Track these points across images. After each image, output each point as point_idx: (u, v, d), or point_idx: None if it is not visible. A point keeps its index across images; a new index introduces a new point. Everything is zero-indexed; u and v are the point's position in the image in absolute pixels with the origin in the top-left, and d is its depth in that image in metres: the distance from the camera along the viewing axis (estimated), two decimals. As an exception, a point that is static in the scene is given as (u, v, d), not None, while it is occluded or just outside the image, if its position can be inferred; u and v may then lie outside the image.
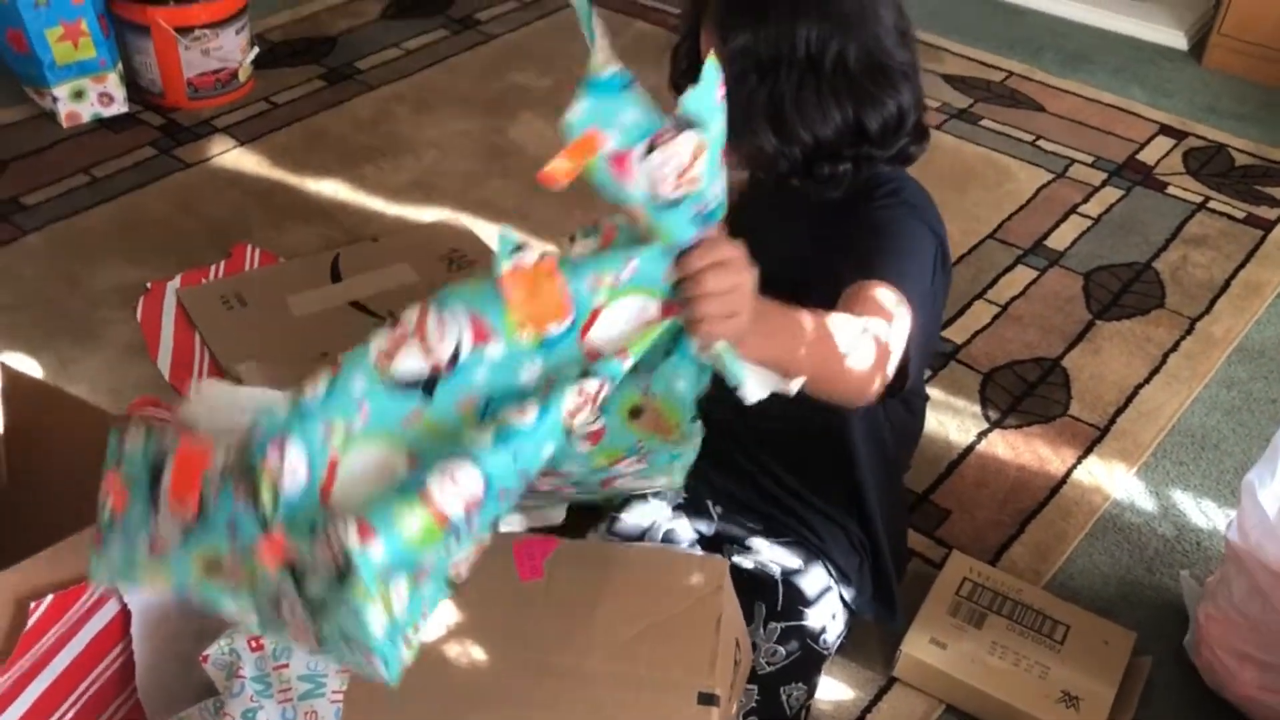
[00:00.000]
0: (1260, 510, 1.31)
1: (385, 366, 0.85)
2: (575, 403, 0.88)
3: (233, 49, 2.70)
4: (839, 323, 1.09)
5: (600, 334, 0.90)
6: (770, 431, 1.47)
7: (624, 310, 0.90)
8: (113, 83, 2.62)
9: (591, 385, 0.88)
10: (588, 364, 0.89)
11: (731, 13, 1.27)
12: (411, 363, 0.86)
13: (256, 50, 2.79)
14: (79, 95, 2.60)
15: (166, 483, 0.89)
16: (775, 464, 1.48)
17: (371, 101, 2.78)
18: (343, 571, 0.79)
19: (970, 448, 1.94)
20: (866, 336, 1.10)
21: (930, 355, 1.50)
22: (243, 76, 2.75)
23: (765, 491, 1.48)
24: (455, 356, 0.87)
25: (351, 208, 2.43)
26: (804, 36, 1.24)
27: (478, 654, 1.16)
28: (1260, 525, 1.32)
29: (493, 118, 2.74)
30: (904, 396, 1.43)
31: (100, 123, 2.64)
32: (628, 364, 0.90)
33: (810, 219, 1.39)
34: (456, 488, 0.82)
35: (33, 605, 1.08)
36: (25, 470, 1.50)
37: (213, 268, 2.22)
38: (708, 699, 1.13)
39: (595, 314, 0.91)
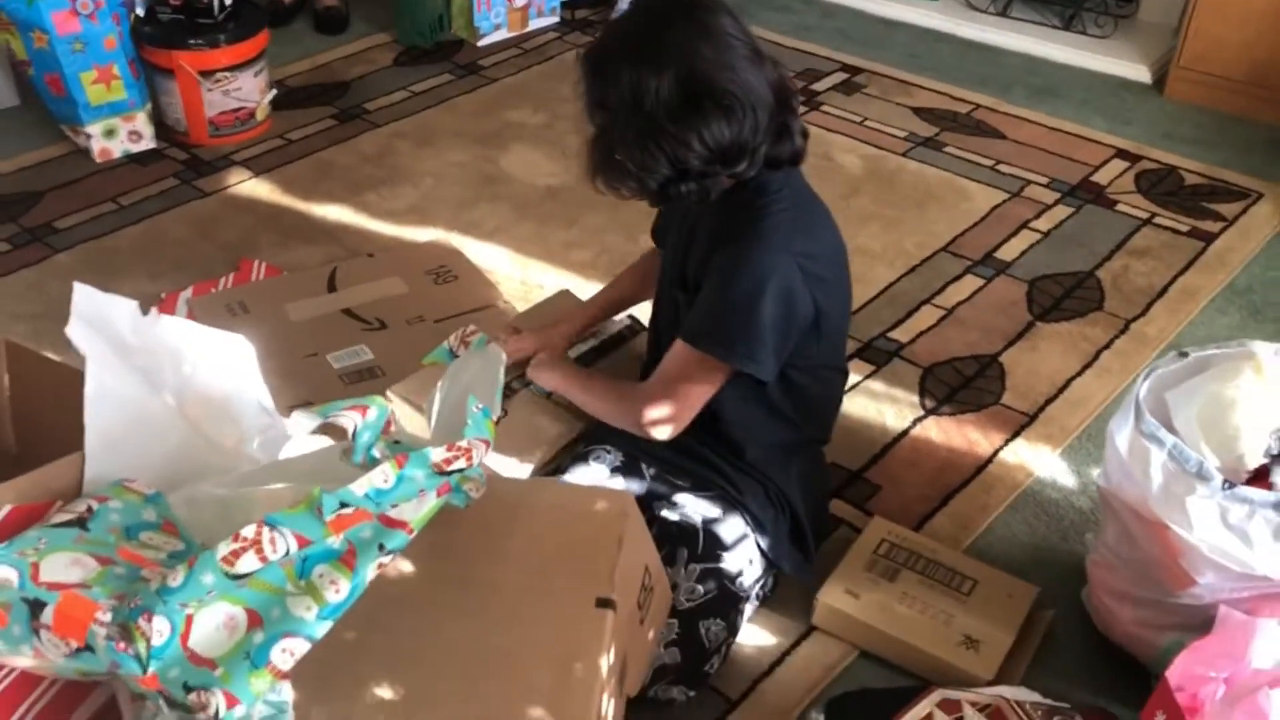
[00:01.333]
0: (1117, 453, 1.45)
1: (229, 566, 1.09)
2: (375, 569, 1.15)
3: (251, 90, 2.93)
4: (592, 396, 1.62)
5: (395, 515, 1.17)
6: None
7: (408, 505, 1.18)
8: (141, 121, 2.87)
9: (387, 557, 1.16)
10: (384, 535, 1.16)
11: (586, 77, 1.46)
12: (248, 563, 1.11)
13: (274, 92, 3.03)
14: (110, 133, 2.84)
15: (48, 620, 1.12)
16: (695, 429, 1.59)
17: (377, 137, 3.00)
18: None
19: (905, 432, 2.09)
20: (610, 407, 1.59)
21: (836, 339, 1.64)
22: (260, 116, 2.98)
23: (691, 452, 1.61)
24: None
25: (353, 229, 2.63)
26: (626, 81, 1.37)
27: (405, 566, 1.32)
28: (1119, 468, 1.45)
29: (487, 149, 2.95)
30: (808, 368, 1.59)
31: (129, 158, 2.88)
32: (411, 535, 1.17)
33: (714, 217, 1.53)
34: (290, 656, 1.10)
35: None
36: (31, 438, 1.68)
37: (222, 280, 2.42)
38: (605, 603, 1.28)
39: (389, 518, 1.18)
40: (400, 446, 1.26)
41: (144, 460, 1.44)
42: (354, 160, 2.88)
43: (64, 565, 1.19)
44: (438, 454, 1.18)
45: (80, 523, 1.26)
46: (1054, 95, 3.25)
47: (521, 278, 2.45)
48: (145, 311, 1.46)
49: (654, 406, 1.52)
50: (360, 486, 1.15)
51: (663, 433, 1.54)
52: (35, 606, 1.16)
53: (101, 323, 1.48)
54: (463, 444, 1.19)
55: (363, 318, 2.30)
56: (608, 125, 1.44)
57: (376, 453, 1.24)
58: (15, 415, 1.69)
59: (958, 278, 2.48)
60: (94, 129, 2.81)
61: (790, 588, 1.73)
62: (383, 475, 1.16)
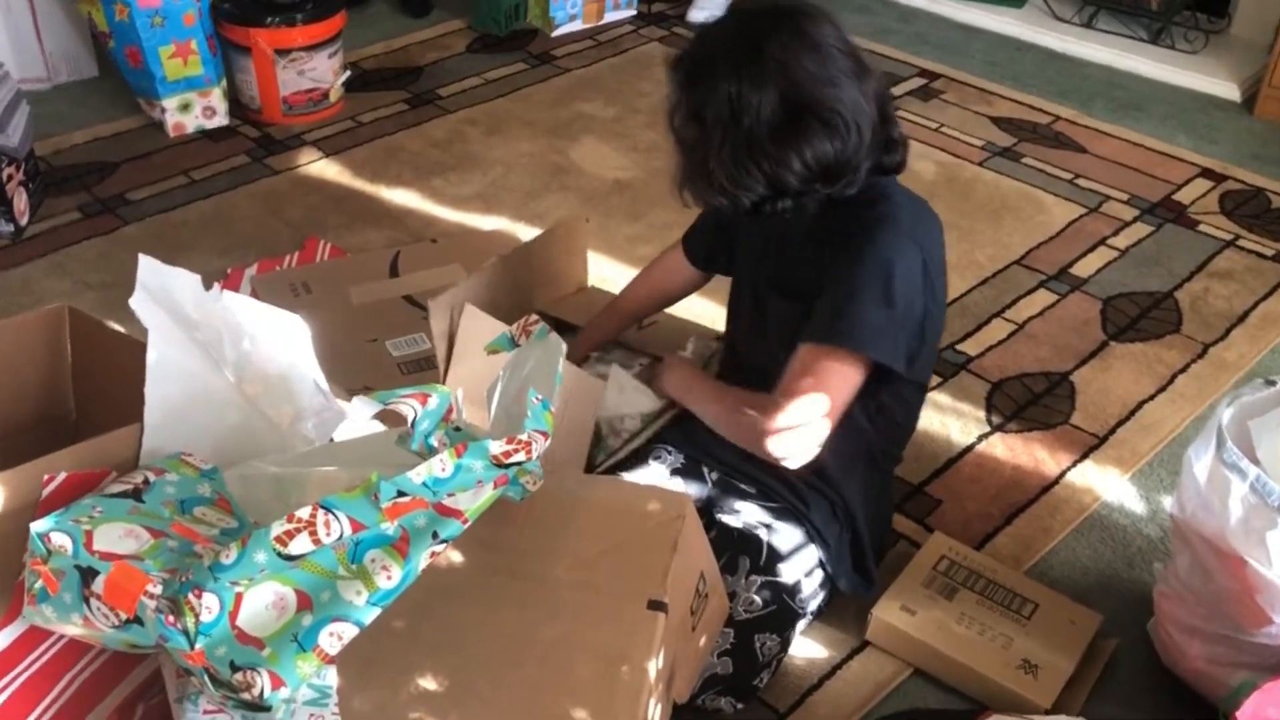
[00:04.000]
0: (1195, 482, 1.39)
1: (281, 546, 1.08)
2: (428, 557, 1.12)
3: (325, 71, 2.94)
4: (717, 408, 1.50)
5: (451, 504, 1.15)
6: None
7: (465, 495, 1.16)
8: (216, 97, 2.88)
9: (440, 546, 1.13)
10: (438, 523, 1.14)
11: (679, 86, 1.41)
12: (302, 544, 1.09)
13: (348, 73, 3.04)
14: (185, 108, 2.86)
15: (99, 589, 1.11)
16: None
17: (448, 123, 2.99)
18: (260, 705, 1.06)
19: (969, 447, 2.03)
20: (739, 426, 1.43)
21: (932, 352, 1.57)
22: (333, 97, 2.99)
23: (757, 459, 1.52)
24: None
25: (418, 214, 2.63)
26: (724, 95, 1.31)
27: (455, 556, 1.31)
28: (1196, 497, 1.40)
29: (557, 140, 2.93)
30: (898, 390, 1.53)
31: (203, 133, 2.90)
32: (466, 525, 1.14)
33: (817, 220, 1.47)
34: (338, 640, 1.08)
35: (45, 478, 1.26)
36: (90, 407, 1.68)
37: (287, 258, 2.42)
38: (657, 605, 1.25)
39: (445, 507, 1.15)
40: (460, 435, 1.23)
41: (202, 435, 1.43)
42: (423, 145, 2.88)
43: (118, 535, 1.19)
44: (497, 446, 1.16)
45: (135, 494, 1.26)
46: (1138, 110, 3.17)
47: (591, 271, 2.40)
48: (208, 286, 1.45)
49: (783, 421, 1.37)
50: (418, 474, 1.13)
51: (794, 454, 1.40)
52: (87, 574, 1.15)
53: (165, 296, 1.48)
54: (522, 437, 1.17)
55: (423, 305, 2.27)
56: (701, 139, 1.37)
57: (435, 441, 1.22)
58: (76, 382, 1.69)
59: (1030, 292, 2.42)
60: (169, 103, 2.83)
61: (845, 599, 1.69)
62: (441, 464, 1.14)
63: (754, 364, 1.57)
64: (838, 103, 1.33)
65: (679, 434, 1.64)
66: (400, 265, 2.41)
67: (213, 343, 1.53)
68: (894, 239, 1.40)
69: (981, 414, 2.10)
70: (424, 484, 1.13)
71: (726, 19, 1.42)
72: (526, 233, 2.56)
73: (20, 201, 2.47)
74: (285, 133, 2.91)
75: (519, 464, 1.17)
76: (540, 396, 1.21)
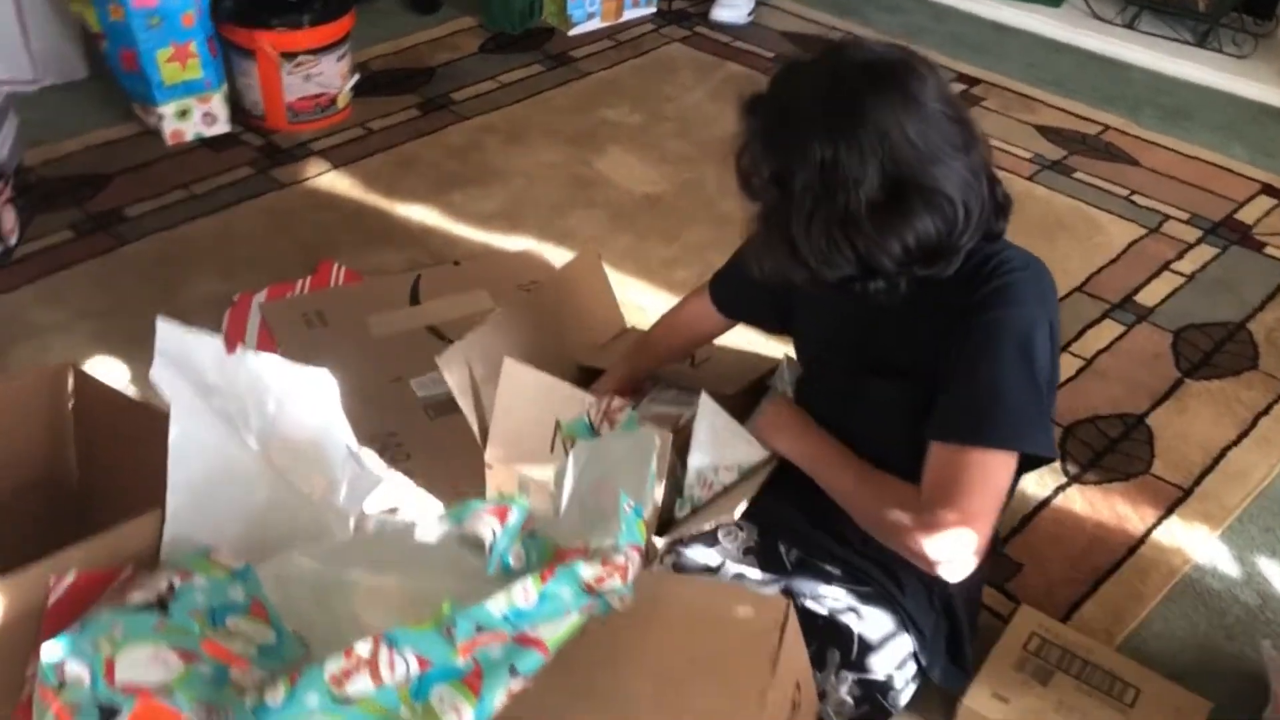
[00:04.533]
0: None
1: (337, 688, 0.94)
2: (505, 695, 0.98)
3: (333, 75, 2.76)
4: (857, 488, 1.33)
5: (532, 633, 1.01)
6: None
7: (548, 625, 1.02)
8: (217, 103, 2.70)
9: (517, 682, 0.99)
10: (517, 655, 1.00)
11: (758, 139, 1.25)
12: (361, 686, 0.95)
13: (357, 77, 2.86)
14: (184, 114, 2.68)
15: None
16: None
17: (464, 131, 2.82)
18: None
19: (1046, 501, 1.89)
20: (885, 523, 1.28)
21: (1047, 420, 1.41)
22: (341, 102, 2.82)
23: (845, 537, 1.40)
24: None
25: (437, 233, 2.46)
26: (817, 161, 1.17)
27: (523, 675, 1.15)
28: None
29: (581, 150, 2.76)
30: None
31: (203, 141, 2.72)
32: (547, 657, 1.01)
33: (906, 298, 1.29)
34: None
35: (53, 580, 1.09)
36: (93, 471, 1.53)
37: (299, 283, 2.26)
38: (752, 729, 1.10)
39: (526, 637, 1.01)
40: (537, 543, 1.07)
41: (230, 517, 1.28)
42: (439, 155, 2.71)
43: (143, 662, 1.03)
44: (590, 571, 1.00)
45: (161, 605, 1.10)
46: (1188, 118, 3.02)
47: (618, 297, 2.24)
48: (218, 317, 1.27)
49: (944, 532, 1.23)
50: (498, 605, 0.97)
51: (960, 566, 1.26)
52: (107, 714, 1.00)
53: (185, 362, 1.32)
54: (618, 559, 1.01)
55: (448, 338, 2.12)
56: (783, 205, 1.22)
57: (512, 558, 1.06)
58: (79, 444, 1.53)
59: (1095, 322, 2.27)
60: (167, 109, 2.65)
61: (925, 684, 1.54)
62: (524, 592, 0.98)
63: (839, 432, 1.42)
64: (945, 182, 1.18)
65: (750, 507, 1.49)
66: (421, 291, 2.26)
67: (237, 411, 1.37)
68: (1023, 311, 1.25)
69: (1056, 463, 1.95)
70: (505, 617, 0.98)
71: (819, 65, 1.24)
72: (553, 253, 2.40)
73: (9, 219, 2.29)
74: (290, 141, 2.73)
75: (613, 590, 1.01)
76: (632, 503, 1.05)
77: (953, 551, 1.24)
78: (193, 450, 1.25)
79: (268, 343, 2.09)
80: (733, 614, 1.18)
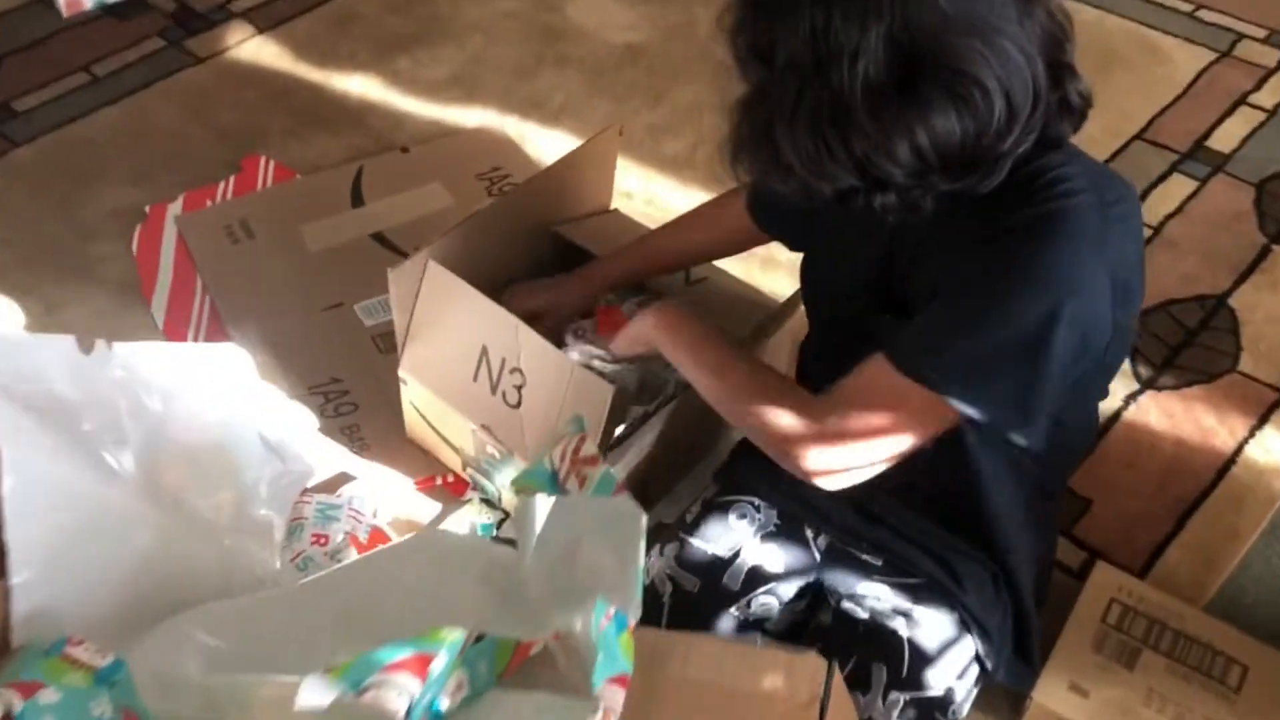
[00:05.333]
0: None
1: None
2: None
3: (247, -82, 2.35)
4: (730, 379, 1.12)
5: None
6: None
7: None
8: (114, -38, 2.31)
9: None
10: None
11: (740, 3, 0.95)
12: None
13: (277, -83, 2.44)
14: (78, -23, 2.29)
15: None
16: (897, 479, 1.14)
17: (408, -23, 2.42)
18: None
19: (1116, 415, 1.60)
20: (766, 417, 1.08)
21: (1119, 361, 1.15)
22: (261, -50, 2.41)
23: (882, 517, 1.20)
24: None
25: (381, 110, 2.12)
26: (807, 29, 0.88)
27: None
28: None
29: (547, -6, 2.37)
30: (1079, 405, 1.15)
31: (104, 9, 2.35)
32: None
33: (934, 220, 1.02)
34: None
35: None
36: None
37: (220, 185, 1.95)
38: None
39: None
40: (484, 651, 0.79)
41: (99, 582, 1.01)
42: (379, 9, 2.33)
43: None
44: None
45: None
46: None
47: None
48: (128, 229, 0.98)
49: (828, 442, 1.04)
50: None
51: (830, 480, 1.06)
52: None
53: (18, 379, 1.01)
54: (597, 696, 0.73)
55: (398, 247, 1.82)
56: (766, 90, 0.94)
57: (445, 699, 0.78)
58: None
59: (1162, 178, 1.94)
60: (57, -29, 2.25)
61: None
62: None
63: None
64: (978, 62, 0.88)
65: (768, 481, 1.25)
66: (365, 188, 1.94)
67: (103, 426, 1.07)
68: (1071, 263, 0.95)
69: (1125, 363, 1.65)
70: None
71: None
72: (519, 127, 2.06)
73: None
74: (207, 4, 2.36)
75: None
76: (614, 609, 0.76)
77: (830, 466, 1.06)
78: (37, 502, 0.97)
79: (185, 266, 1.80)
80: (760, 689, 0.91)
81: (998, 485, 1.13)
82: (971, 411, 0.99)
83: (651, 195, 1.93)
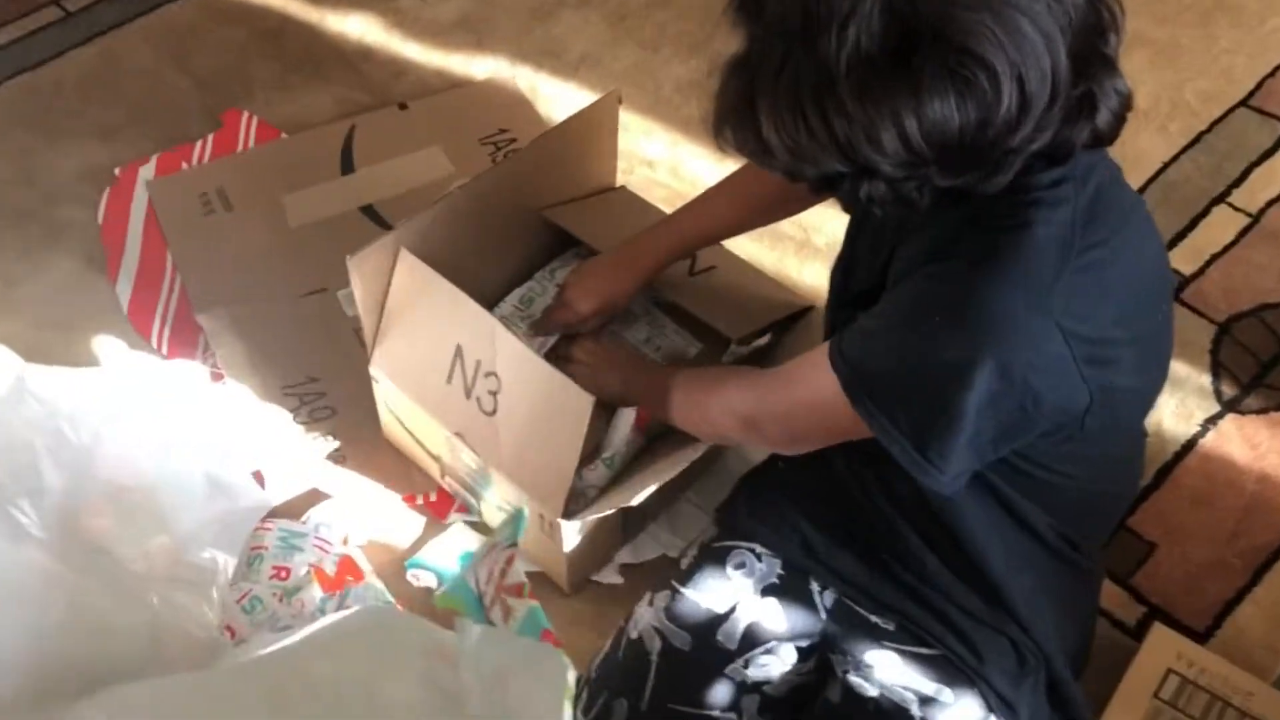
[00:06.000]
0: None
1: None
2: None
3: None
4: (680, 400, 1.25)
5: None
6: (904, 488, 1.12)
7: None
8: (89, -120, 2.24)
9: None
10: None
11: None
12: None
13: None
14: (48, -103, 2.23)
15: None
16: (911, 533, 1.15)
17: (417, -103, 2.34)
18: None
19: (1191, 443, 1.53)
20: (699, 417, 1.24)
21: (1135, 414, 1.16)
22: None
23: (898, 574, 1.17)
24: None
25: (379, 56, 2.07)
26: None
27: None
28: None
29: (570, -79, 2.28)
30: (1081, 458, 1.09)
31: (79, -67, 2.28)
32: None
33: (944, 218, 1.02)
34: None
35: None
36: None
37: (198, 145, 1.91)
38: None
39: None
40: None
41: (9, 663, 0.97)
42: (383, -62, 2.24)
43: None
44: None
45: None
46: None
47: (620, 146, 1.84)
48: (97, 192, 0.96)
49: (763, 415, 1.17)
50: None
51: (779, 445, 1.21)
52: None
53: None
54: None
55: (389, 223, 1.78)
56: (752, 52, 0.91)
57: None
58: None
59: (1267, 155, 1.83)
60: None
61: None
62: None
63: None
64: (985, 39, 0.83)
65: (771, 525, 1.22)
66: (357, 150, 1.90)
67: (14, 475, 1.04)
68: (996, 306, 0.95)
69: (1205, 379, 1.58)
70: None
71: None
72: (531, 79, 2.02)
73: None
74: (192, -74, 2.27)
75: None
76: None
77: (785, 437, 1.18)
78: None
79: (155, 240, 1.77)
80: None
81: (989, 533, 1.10)
82: (874, 430, 1.01)
83: (677, 164, 1.87)
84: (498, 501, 1.36)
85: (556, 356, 1.41)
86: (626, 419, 1.32)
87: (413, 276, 1.31)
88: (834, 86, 0.86)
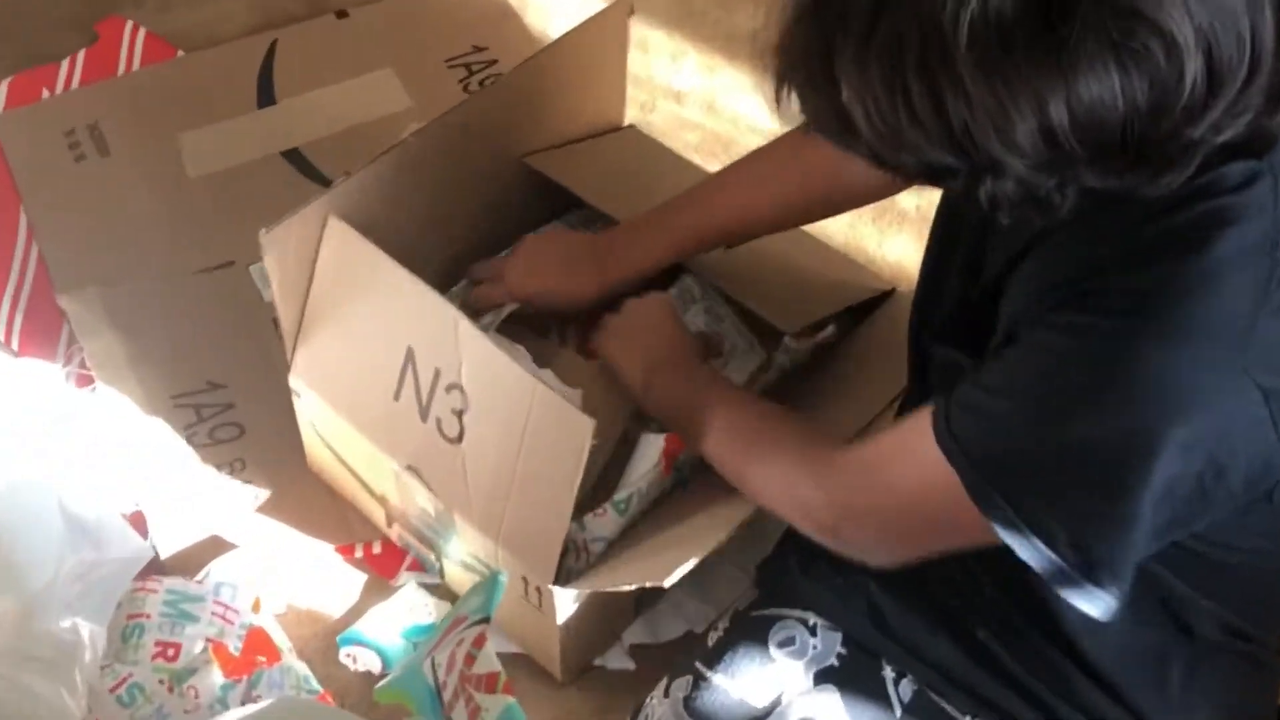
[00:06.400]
0: None
1: None
2: None
3: None
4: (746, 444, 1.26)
5: None
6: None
7: None
8: None
9: None
10: None
11: None
12: None
13: None
14: None
15: None
16: (1016, 610, 1.19)
17: None
18: None
19: None
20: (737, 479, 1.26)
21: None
22: None
23: (1002, 661, 1.20)
24: None
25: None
26: None
27: None
28: None
29: None
30: (1249, 524, 1.10)
31: None
32: None
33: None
34: None
35: None
36: None
37: (64, 65, 1.96)
38: None
39: None
40: None
41: None
42: None
43: None
44: None
45: None
46: None
47: (639, 72, 1.91)
48: None
49: (850, 513, 1.18)
50: None
51: (868, 557, 1.19)
52: None
53: None
54: None
55: (322, 173, 1.83)
56: (829, 20, 0.92)
57: None
58: None
59: None
60: None
61: None
62: None
63: None
64: (1163, 3, 0.85)
65: (832, 588, 1.26)
66: (278, 74, 1.96)
67: None
68: (1177, 371, 0.97)
69: None
70: None
71: None
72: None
73: None
74: None
75: None
76: None
77: (859, 543, 1.19)
78: None
79: (6, 187, 1.80)
80: None
81: (1127, 620, 1.09)
82: (1006, 535, 1.02)
83: (713, 96, 1.92)
84: (462, 557, 1.36)
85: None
86: (651, 449, 1.32)
87: (347, 254, 1.32)
88: (950, 59, 0.86)
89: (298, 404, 1.45)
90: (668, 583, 1.24)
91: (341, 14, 1.99)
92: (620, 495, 1.32)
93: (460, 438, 1.29)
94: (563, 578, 1.26)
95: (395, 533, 1.47)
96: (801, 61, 0.95)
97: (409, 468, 1.34)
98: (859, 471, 1.17)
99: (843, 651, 1.24)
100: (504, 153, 1.53)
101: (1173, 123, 0.88)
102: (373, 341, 1.34)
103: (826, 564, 1.25)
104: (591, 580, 1.27)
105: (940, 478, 1.05)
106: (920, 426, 1.08)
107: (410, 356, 1.31)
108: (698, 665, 1.25)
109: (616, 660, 1.42)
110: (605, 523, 1.32)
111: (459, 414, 1.28)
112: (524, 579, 1.28)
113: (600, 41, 1.54)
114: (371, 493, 1.45)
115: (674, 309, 1.45)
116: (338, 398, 1.38)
